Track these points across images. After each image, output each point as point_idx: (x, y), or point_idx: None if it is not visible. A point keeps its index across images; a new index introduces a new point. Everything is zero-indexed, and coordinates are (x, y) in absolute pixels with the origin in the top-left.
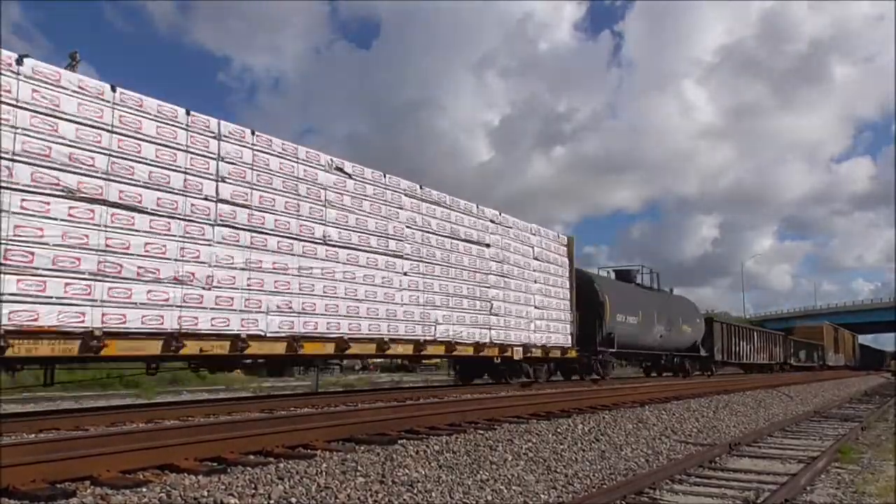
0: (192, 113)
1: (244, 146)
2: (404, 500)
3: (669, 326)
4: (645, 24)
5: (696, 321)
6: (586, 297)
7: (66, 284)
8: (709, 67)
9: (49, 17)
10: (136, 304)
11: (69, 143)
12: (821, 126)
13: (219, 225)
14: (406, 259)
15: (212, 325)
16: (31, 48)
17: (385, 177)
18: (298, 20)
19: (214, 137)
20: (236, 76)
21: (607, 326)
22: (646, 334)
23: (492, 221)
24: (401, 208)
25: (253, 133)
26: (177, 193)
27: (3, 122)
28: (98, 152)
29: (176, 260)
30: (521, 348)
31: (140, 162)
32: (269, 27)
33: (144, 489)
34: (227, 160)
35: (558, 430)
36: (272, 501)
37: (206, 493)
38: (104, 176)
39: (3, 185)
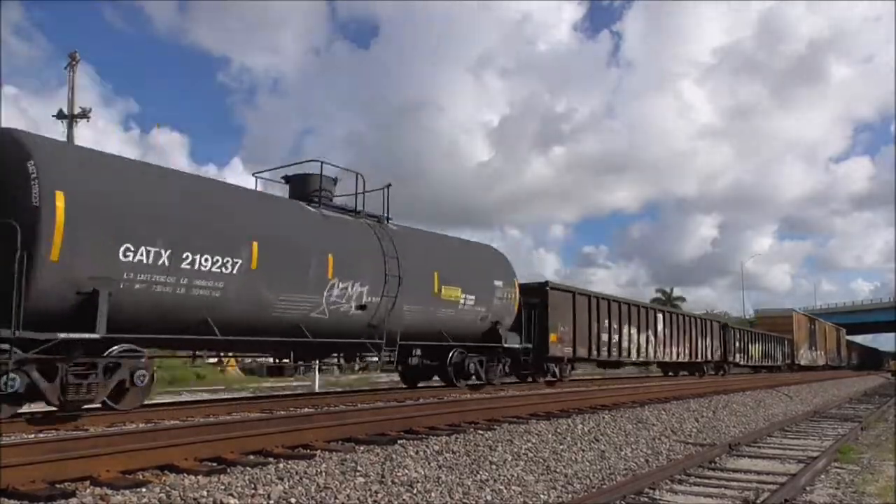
0: None
1: None
2: (404, 500)
3: (394, 290)
4: (643, 25)
5: (496, 285)
6: None
7: None
8: (707, 68)
9: (49, 17)
10: None
11: None
12: (819, 126)
13: None
14: None
15: None
16: (31, 48)
17: None
18: (297, 20)
19: None
20: (235, 76)
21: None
22: (260, 295)
23: None
24: None
25: None
26: None
27: None
28: None
29: None
30: None
31: None
32: (268, 27)
33: (144, 489)
34: None
35: (558, 430)
36: (272, 501)
37: (205, 493)
38: None
39: None
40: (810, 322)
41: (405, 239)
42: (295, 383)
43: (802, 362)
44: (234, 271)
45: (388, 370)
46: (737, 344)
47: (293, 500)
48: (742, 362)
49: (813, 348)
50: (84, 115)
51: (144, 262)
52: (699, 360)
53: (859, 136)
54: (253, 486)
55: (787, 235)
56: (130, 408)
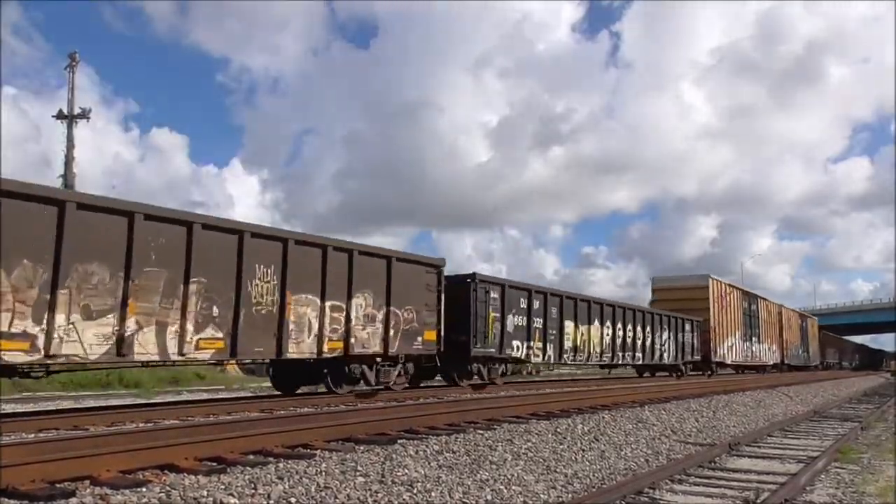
0: None
1: None
2: (404, 500)
3: None
4: (642, 25)
5: None
6: None
7: None
8: (706, 68)
9: (49, 18)
10: None
11: None
12: (818, 127)
13: None
14: None
15: None
16: (30, 48)
17: None
18: (296, 21)
19: None
20: (235, 77)
21: None
22: None
23: None
24: None
25: None
26: None
27: None
28: None
29: None
30: None
31: None
32: (268, 28)
33: (144, 489)
34: None
35: (558, 430)
36: (272, 501)
37: (205, 493)
38: None
39: None
40: (747, 299)
41: None
42: None
43: (728, 360)
44: None
45: None
46: (539, 322)
47: (293, 500)
48: (552, 359)
49: (753, 339)
50: (84, 115)
51: None
52: (369, 351)
53: (858, 136)
54: (253, 485)
55: (786, 236)
56: None
